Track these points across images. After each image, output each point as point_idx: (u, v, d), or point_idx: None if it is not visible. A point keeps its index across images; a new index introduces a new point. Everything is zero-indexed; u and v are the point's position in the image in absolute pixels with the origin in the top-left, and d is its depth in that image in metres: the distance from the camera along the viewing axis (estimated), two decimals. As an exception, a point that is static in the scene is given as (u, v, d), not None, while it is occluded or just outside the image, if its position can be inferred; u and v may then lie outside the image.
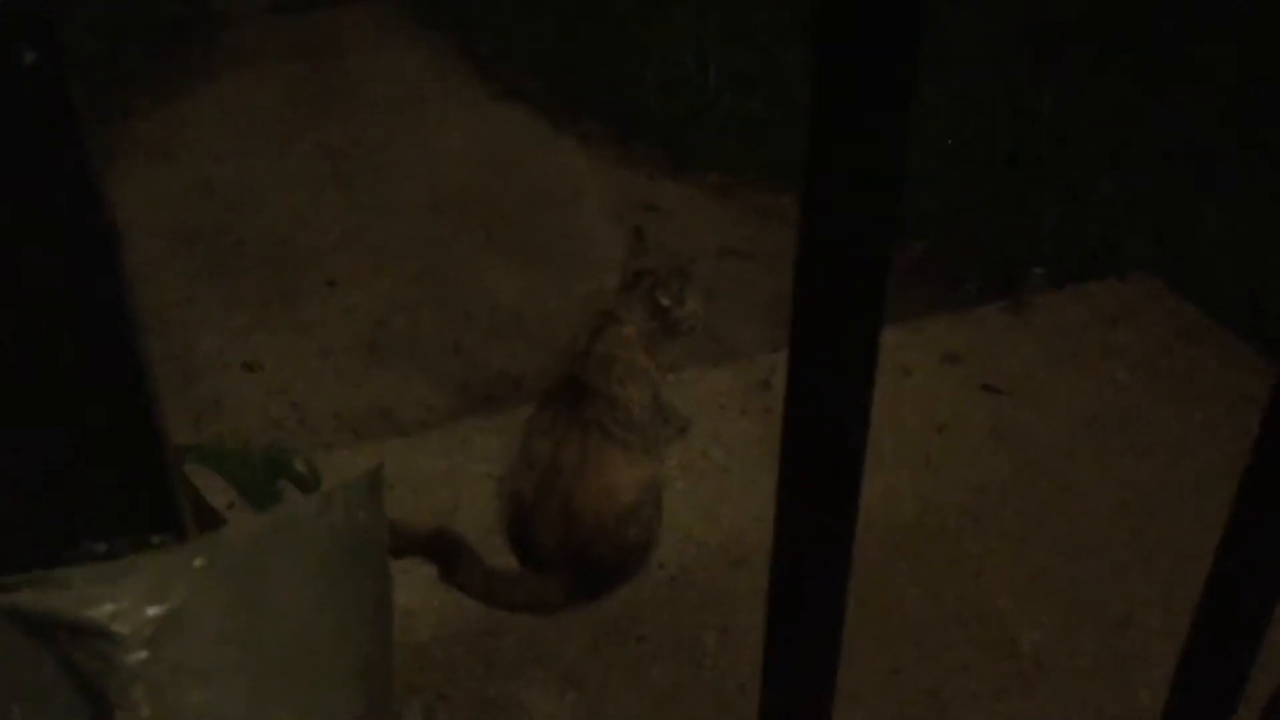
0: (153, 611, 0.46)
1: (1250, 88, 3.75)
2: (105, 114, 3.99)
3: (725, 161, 3.86)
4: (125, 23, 4.48)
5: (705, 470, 2.51)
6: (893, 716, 2.00)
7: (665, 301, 2.31)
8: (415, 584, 2.17)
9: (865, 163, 0.61)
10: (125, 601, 0.45)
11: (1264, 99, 3.68)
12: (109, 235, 0.47)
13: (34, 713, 0.44)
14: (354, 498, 0.52)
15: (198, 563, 0.47)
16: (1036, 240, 3.29)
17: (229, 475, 1.20)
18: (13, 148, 0.44)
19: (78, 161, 0.45)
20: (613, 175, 3.84)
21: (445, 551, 2.19)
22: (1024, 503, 2.43)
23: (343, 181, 3.77)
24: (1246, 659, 0.89)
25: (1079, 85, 3.89)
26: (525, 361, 2.96)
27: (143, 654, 0.43)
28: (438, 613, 2.13)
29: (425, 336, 3.06)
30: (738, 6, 4.51)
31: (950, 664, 2.07)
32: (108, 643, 0.44)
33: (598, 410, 2.19)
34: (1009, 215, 3.45)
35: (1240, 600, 0.86)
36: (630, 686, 2.03)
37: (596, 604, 2.18)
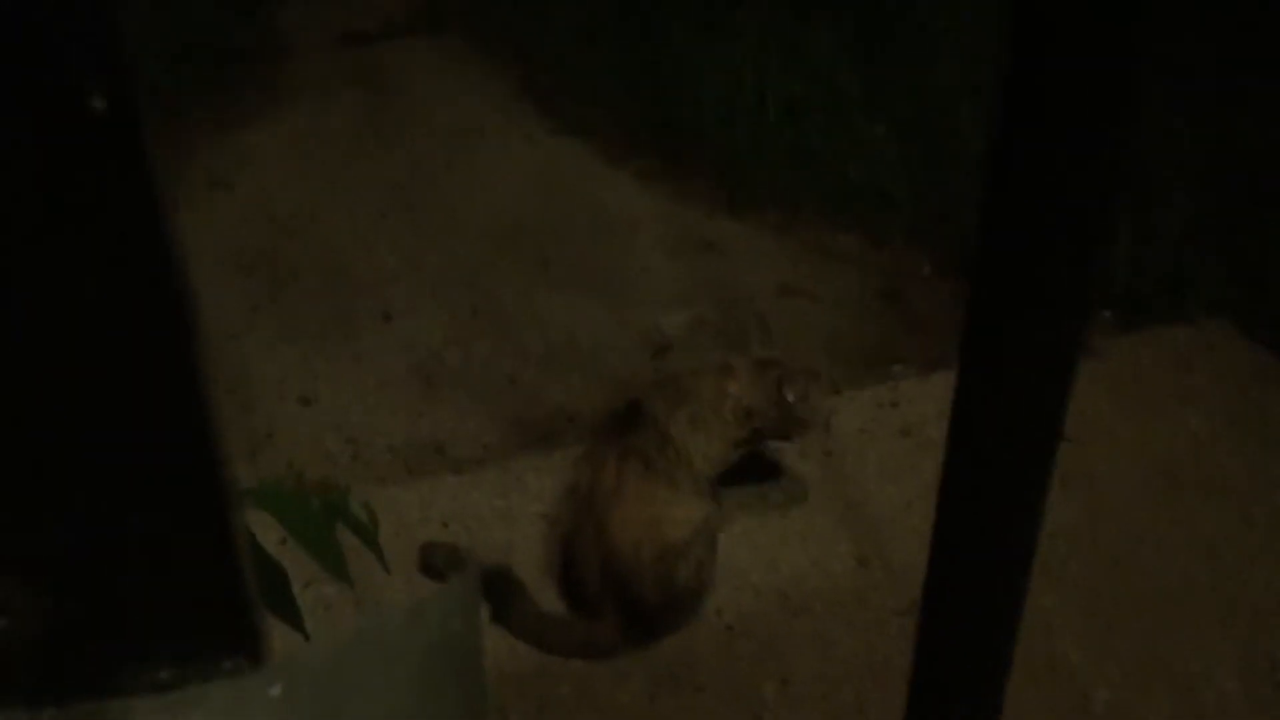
0: (221, 752, 0.41)
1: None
2: (167, 142, 4.02)
3: (783, 197, 3.81)
4: (190, 50, 4.53)
5: (763, 513, 2.45)
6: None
7: (790, 396, 2.27)
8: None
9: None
10: (191, 741, 0.41)
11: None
12: (186, 307, 0.43)
13: None
14: (448, 606, 0.48)
15: (275, 692, 0.43)
16: (1104, 282, 3.21)
17: (285, 521, 1.17)
18: (80, 208, 0.39)
19: (153, 222, 0.41)
20: (670, 211, 3.81)
21: (500, 591, 2.16)
22: (1095, 553, 2.35)
23: (401, 212, 3.77)
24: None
25: (1147, 113, 3.81)
26: (581, 397, 2.93)
27: (209, 802, 0.39)
28: (490, 655, 2.08)
29: (480, 370, 3.04)
30: (796, 37, 4.48)
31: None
32: (170, 789, 0.39)
33: (643, 440, 2.15)
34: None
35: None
36: (686, 737, 1.97)
37: (652, 651, 2.13)
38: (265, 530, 1.21)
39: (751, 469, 2.46)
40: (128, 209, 0.40)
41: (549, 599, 2.22)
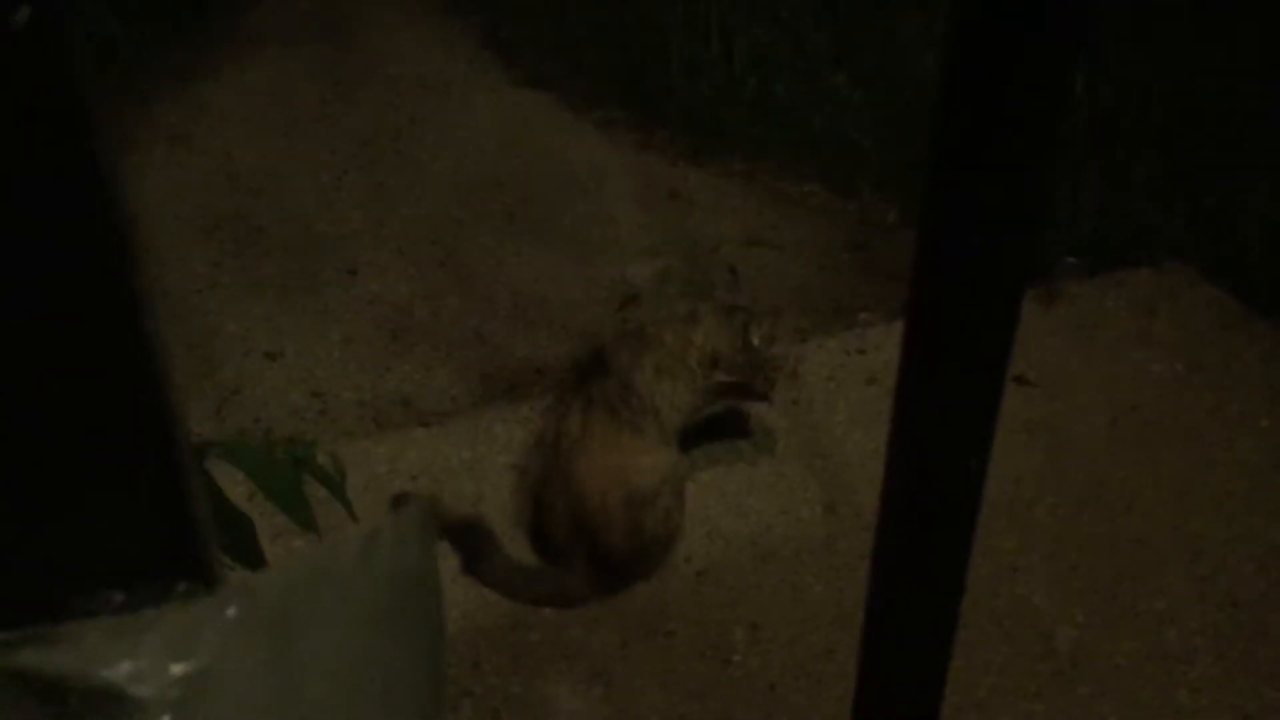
0: (178, 670, 0.41)
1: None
2: (125, 98, 3.96)
3: (749, 147, 3.80)
4: (147, 4, 4.44)
5: (731, 462, 2.46)
6: (926, 715, 1.96)
7: (756, 339, 2.26)
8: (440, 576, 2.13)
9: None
10: (146, 660, 0.41)
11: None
12: (123, 232, 0.41)
13: (40, 790, 0.40)
14: (402, 536, 0.48)
15: (230, 613, 0.42)
16: (1069, 227, 3.23)
17: (252, 473, 1.17)
18: (4, 124, 0.37)
19: (84, 145, 0.39)
20: (635, 161, 3.79)
21: (472, 542, 2.16)
22: (1059, 496, 2.38)
23: (365, 167, 3.73)
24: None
25: (1113, 64, 3.81)
26: (548, 349, 2.92)
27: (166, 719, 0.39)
28: (462, 606, 2.10)
29: (447, 324, 3.02)
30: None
31: (985, 662, 2.03)
32: (126, 707, 0.39)
33: (606, 390, 2.16)
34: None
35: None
36: (658, 683, 1.99)
37: (622, 598, 2.14)
38: (233, 485, 1.21)
39: (720, 421, 2.47)
40: (57, 126, 0.38)
41: (520, 549, 2.23)
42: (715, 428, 2.46)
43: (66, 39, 0.37)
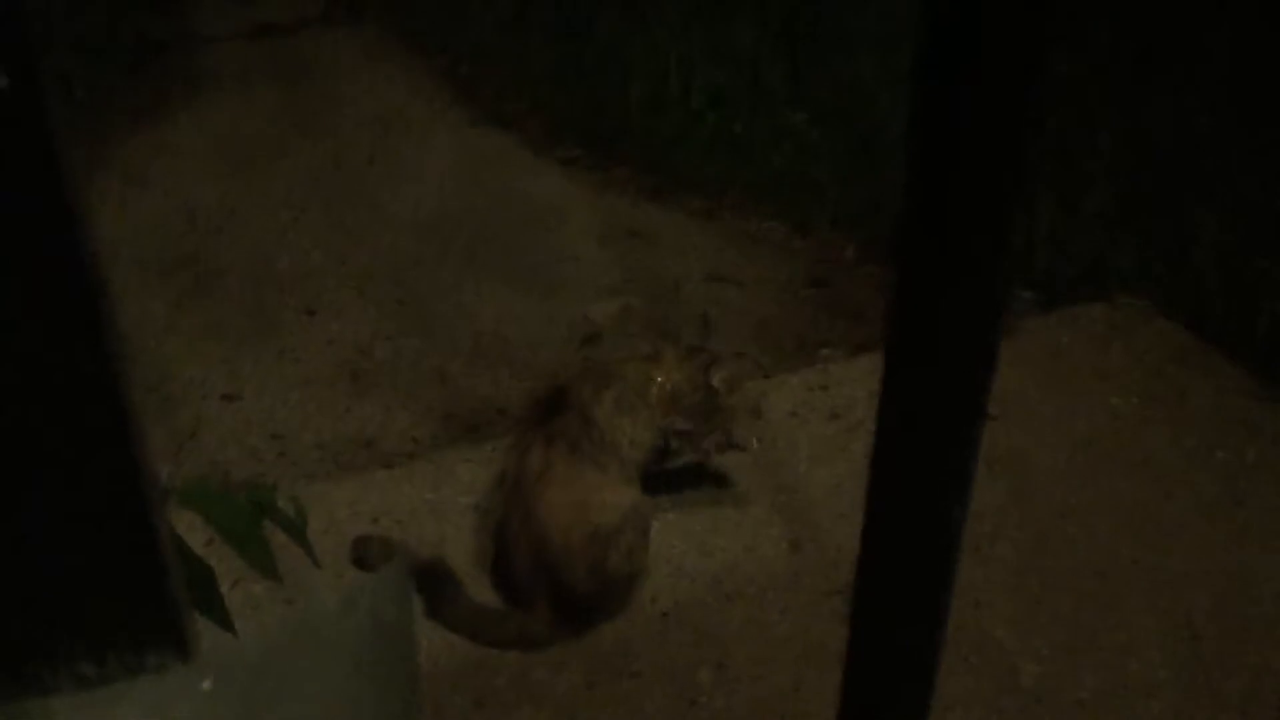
0: (148, 747, 0.40)
1: (1237, 105, 3.74)
2: (82, 138, 3.93)
3: (709, 185, 3.83)
4: (104, 44, 4.43)
5: (696, 500, 2.46)
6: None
7: (716, 383, 2.27)
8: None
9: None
10: (116, 735, 0.40)
11: (1252, 117, 3.67)
12: (94, 291, 0.41)
13: None
14: (380, 595, 0.47)
15: (205, 686, 0.42)
16: (1026, 263, 3.27)
17: (212, 519, 1.15)
18: None
19: (59, 206, 0.39)
20: (595, 199, 3.80)
21: (434, 585, 2.14)
22: (1020, 530, 2.39)
23: (324, 206, 3.72)
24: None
25: (1065, 101, 3.88)
26: (510, 389, 2.92)
27: (138, 798, 0.38)
28: (425, 650, 2.08)
29: (408, 365, 3.01)
30: (721, 26, 4.50)
31: (950, 697, 2.03)
32: (97, 787, 0.38)
33: (569, 424, 2.15)
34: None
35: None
36: (624, 725, 1.98)
37: (587, 639, 2.13)
38: (191, 531, 1.19)
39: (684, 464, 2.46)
40: (33, 187, 0.38)
41: (482, 591, 2.21)
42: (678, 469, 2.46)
43: (44, 106, 0.38)
